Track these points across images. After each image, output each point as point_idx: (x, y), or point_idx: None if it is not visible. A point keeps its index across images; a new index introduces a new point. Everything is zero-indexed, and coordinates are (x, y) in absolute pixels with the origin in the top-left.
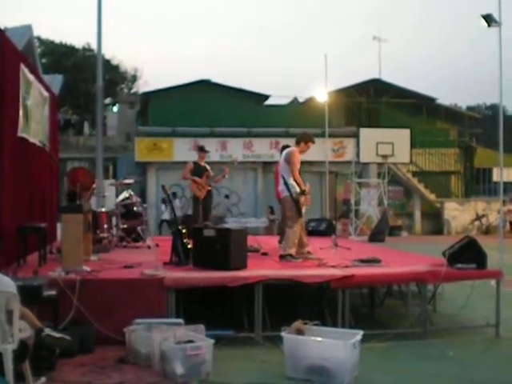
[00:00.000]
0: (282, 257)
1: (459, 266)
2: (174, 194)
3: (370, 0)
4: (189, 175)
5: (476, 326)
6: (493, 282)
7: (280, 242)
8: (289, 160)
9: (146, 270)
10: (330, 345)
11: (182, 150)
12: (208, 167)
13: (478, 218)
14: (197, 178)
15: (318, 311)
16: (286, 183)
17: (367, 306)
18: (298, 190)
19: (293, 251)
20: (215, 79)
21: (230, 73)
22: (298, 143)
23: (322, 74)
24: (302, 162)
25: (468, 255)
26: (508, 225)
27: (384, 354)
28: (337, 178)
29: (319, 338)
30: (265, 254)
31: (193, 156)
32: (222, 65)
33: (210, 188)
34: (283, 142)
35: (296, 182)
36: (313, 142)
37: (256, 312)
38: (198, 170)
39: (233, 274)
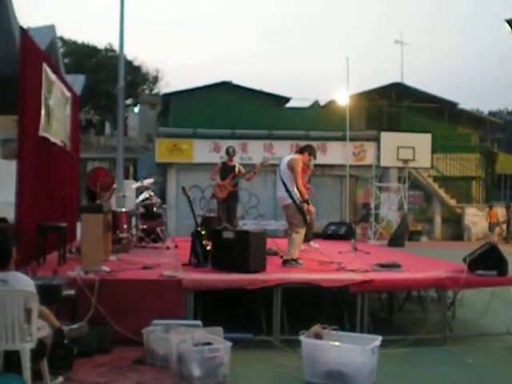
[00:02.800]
0: (285, 261)
1: (480, 272)
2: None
3: (393, 2)
4: (216, 176)
5: (496, 333)
6: None
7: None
8: (293, 167)
9: (165, 271)
10: (348, 350)
11: (203, 151)
12: (238, 167)
13: (499, 223)
14: (219, 181)
15: (337, 315)
16: (288, 190)
17: (386, 311)
18: (300, 198)
19: (296, 256)
20: (236, 81)
21: (252, 75)
22: (302, 152)
23: (344, 77)
24: (323, 166)
25: (489, 262)
26: None
27: (402, 360)
28: (357, 181)
29: (337, 343)
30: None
31: (212, 157)
32: (244, 67)
33: (234, 189)
34: (303, 144)
35: (299, 191)
36: (315, 158)
37: (274, 315)
38: (225, 171)
39: (251, 276)
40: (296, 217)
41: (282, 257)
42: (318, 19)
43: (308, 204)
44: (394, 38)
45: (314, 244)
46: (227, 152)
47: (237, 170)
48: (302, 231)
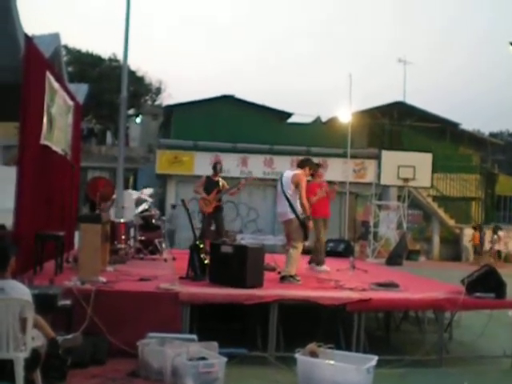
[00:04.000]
0: (283, 278)
1: (478, 294)
2: (174, 207)
3: (396, 21)
4: (199, 190)
5: (492, 355)
6: (511, 312)
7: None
8: (297, 183)
9: (162, 284)
10: (343, 369)
11: (203, 164)
12: (222, 182)
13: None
14: (204, 194)
15: (333, 334)
16: (291, 205)
17: (383, 331)
18: (303, 214)
19: (294, 272)
20: (239, 95)
21: (254, 89)
22: (302, 167)
23: (346, 94)
24: (327, 182)
25: (487, 284)
26: None
27: (398, 381)
28: (356, 199)
29: (333, 362)
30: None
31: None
32: (246, 81)
33: (218, 203)
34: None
35: (304, 207)
36: (315, 171)
37: (270, 331)
38: (209, 185)
39: (249, 292)
40: (297, 232)
41: (279, 272)
42: (322, 35)
43: (310, 220)
44: (397, 56)
45: (326, 267)
46: (215, 168)
47: (221, 184)
48: (300, 247)
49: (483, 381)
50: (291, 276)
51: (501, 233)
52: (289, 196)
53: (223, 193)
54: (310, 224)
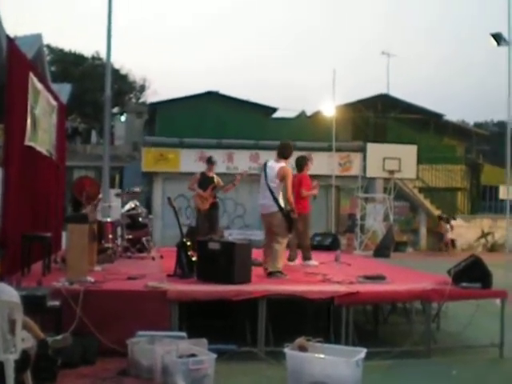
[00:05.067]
0: (270, 274)
1: (464, 284)
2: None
3: (379, 14)
4: (194, 186)
5: (480, 345)
6: (498, 301)
7: (289, 259)
8: (283, 177)
9: (150, 283)
10: (332, 362)
11: (189, 160)
12: (216, 178)
13: (484, 235)
14: (200, 191)
15: (322, 327)
16: (275, 198)
17: (371, 323)
18: (288, 207)
19: (281, 267)
20: (223, 91)
21: (238, 85)
22: (285, 157)
23: (330, 88)
24: (309, 176)
25: (473, 274)
26: None
27: (387, 373)
28: (342, 192)
29: (322, 355)
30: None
31: (199, 167)
32: (231, 77)
33: (215, 200)
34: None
35: (289, 201)
36: (305, 165)
37: (259, 327)
38: (204, 182)
39: (236, 288)
40: (281, 226)
41: (266, 268)
42: (305, 30)
43: (294, 213)
44: (380, 49)
45: (314, 262)
46: (210, 161)
47: (215, 181)
48: (285, 241)
49: (471, 370)
50: (279, 271)
51: (453, 222)
52: (272, 188)
53: (218, 189)
54: (294, 216)
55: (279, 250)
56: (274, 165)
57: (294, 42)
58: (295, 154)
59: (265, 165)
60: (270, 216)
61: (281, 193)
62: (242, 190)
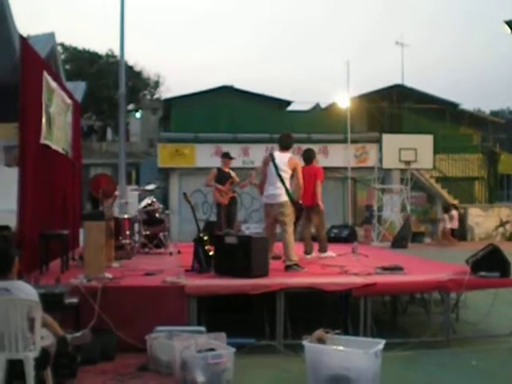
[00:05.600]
0: (287, 267)
1: (482, 274)
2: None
3: (392, 4)
4: (212, 182)
5: (499, 334)
6: None
7: (305, 252)
8: (295, 168)
9: (168, 278)
10: (351, 354)
11: (204, 155)
12: (233, 173)
13: (502, 224)
14: (219, 186)
15: (340, 319)
16: (286, 188)
17: (389, 314)
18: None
19: (297, 259)
20: (237, 85)
21: (253, 79)
22: (288, 148)
23: (344, 80)
24: (325, 168)
25: (491, 263)
26: None
27: (406, 363)
28: (358, 183)
29: (341, 347)
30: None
31: (215, 162)
32: (245, 71)
33: (233, 194)
34: (305, 147)
35: (299, 191)
36: (314, 157)
37: (278, 320)
38: (221, 177)
39: (254, 281)
40: (290, 215)
41: (284, 261)
42: (318, 22)
43: (300, 204)
44: (394, 39)
45: (331, 253)
46: (227, 156)
47: (232, 176)
48: (292, 230)
49: (491, 360)
50: (295, 264)
51: (454, 212)
52: (284, 179)
53: (235, 186)
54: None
55: (291, 240)
56: (282, 156)
57: (307, 34)
58: (311, 146)
59: (271, 156)
60: (280, 206)
61: (289, 183)
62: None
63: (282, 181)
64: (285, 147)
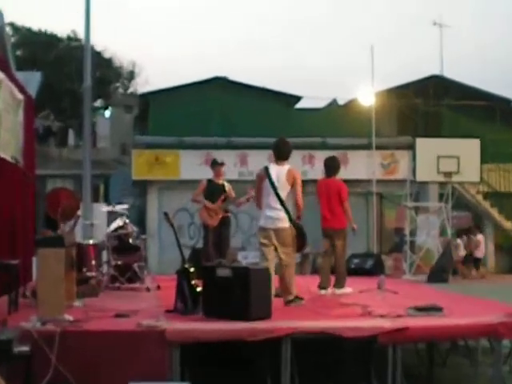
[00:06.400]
0: (288, 302)
1: None
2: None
3: None
4: (199, 197)
5: None
6: None
7: (320, 286)
8: (295, 181)
9: (144, 320)
10: None
11: (191, 165)
12: (228, 186)
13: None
14: (207, 203)
15: (363, 372)
16: (286, 210)
17: (425, 366)
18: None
19: (296, 292)
20: (233, 76)
21: (252, 68)
22: (286, 158)
23: (368, 70)
24: (344, 181)
25: None
26: None
27: None
28: (385, 200)
29: None
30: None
31: (204, 173)
32: (242, 59)
33: (226, 214)
34: (319, 155)
35: (298, 208)
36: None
37: (283, 374)
38: (212, 190)
39: (253, 325)
40: (291, 244)
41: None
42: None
43: (299, 220)
44: (431, 19)
45: (348, 289)
46: (215, 163)
47: (227, 189)
48: (294, 261)
49: None
50: (296, 297)
51: (480, 236)
52: (283, 198)
53: (230, 202)
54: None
55: (291, 272)
56: (280, 169)
57: (321, 15)
58: (326, 153)
59: (266, 170)
60: (279, 232)
61: (291, 203)
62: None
63: (281, 202)
64: (282, 157)
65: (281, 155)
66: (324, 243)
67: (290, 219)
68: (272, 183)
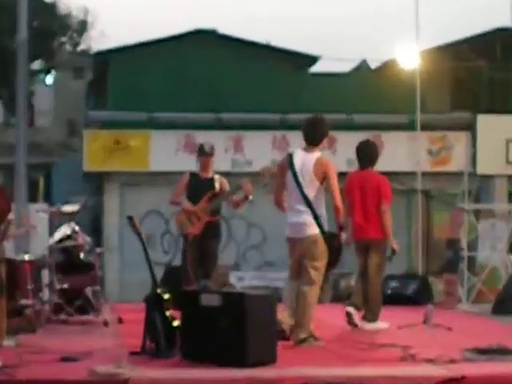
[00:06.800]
0: (300, 341)
1: None
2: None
3: None
4: (180, 198)
5: None
6: None
7: (350, 303)
8: (326, 173)
9: (100, 366)
10: None
11: (166, 151)
12: (219, 180)
13: None
14: (187, 205)
15: None
16: (314, 213)
17: None
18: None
19: (312, 325)
20: (224, 29)
21: (250, 20)
22: (320, 141)
23: (410, 22)
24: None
25: None
26: None
27: None
28: (433, 201)
29: None
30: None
31: (183, 162)
32: (237, 7)
33: (213, 219)
34: (343, 137)
35: (337, 212)
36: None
37: None
38: (196, 187)
39: (250, 372)
40: (322, 257)
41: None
42: None
43: (343, 231)
44: None
45: (383, 324)
46: (203, 151)
47: (217, 185)
48: (319, 283)
49: None
50: (311, 336)
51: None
52: (310, 197)
53: (222, 199)
54: (343, 238)
55: (311, 296)
56: (306, 157)
57: None
58: (353, 135)
59: (289, 158)
60: (305, 242)
61: (323, 203)
62: (260, 201)
63: (307, 201)
64: (312, 141)
65: (311, 138)
66: (358, 261)
67: (320, 225)
68: (295, 176)
